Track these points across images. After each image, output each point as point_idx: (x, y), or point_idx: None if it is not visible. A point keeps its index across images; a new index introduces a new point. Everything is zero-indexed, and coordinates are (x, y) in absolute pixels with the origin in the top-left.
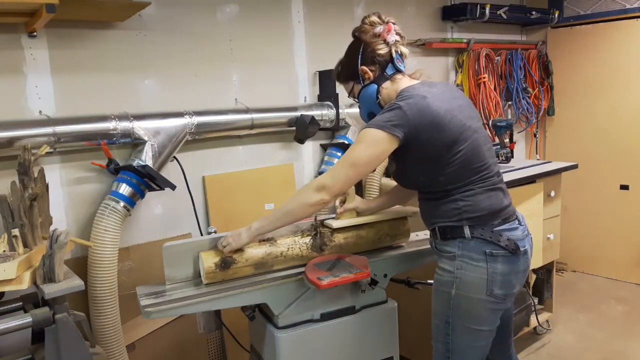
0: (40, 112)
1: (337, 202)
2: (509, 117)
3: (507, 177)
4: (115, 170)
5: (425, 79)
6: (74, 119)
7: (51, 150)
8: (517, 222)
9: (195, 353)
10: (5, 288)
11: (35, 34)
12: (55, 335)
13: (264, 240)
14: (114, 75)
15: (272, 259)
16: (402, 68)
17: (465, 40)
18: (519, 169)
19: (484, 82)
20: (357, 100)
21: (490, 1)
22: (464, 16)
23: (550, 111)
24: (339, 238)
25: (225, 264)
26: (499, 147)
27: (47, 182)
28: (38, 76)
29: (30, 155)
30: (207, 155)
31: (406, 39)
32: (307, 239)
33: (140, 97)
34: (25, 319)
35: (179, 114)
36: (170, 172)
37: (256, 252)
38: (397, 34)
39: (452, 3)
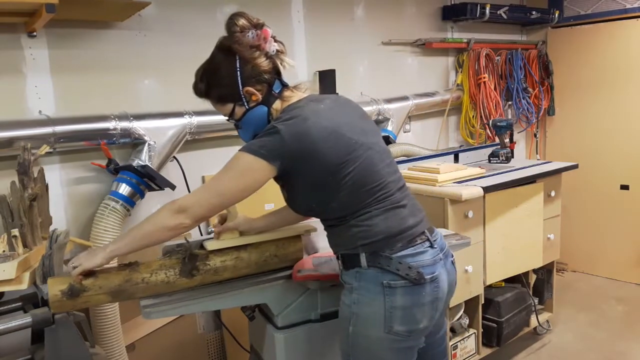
0: (40, 112)
1: (216, 220)
2: (509, 117)
3: (507, 177)
4: (115, 170)
5: (311, 92)
6: (74, 119)
7: (51, 150)
8: (427, 244)
9: (195, 353)
10: (5, 288)
11: (35, 33)
12: (55, 335)
13: (125, 265)
14: (114, 75)
15: (132, 286)
16: (286, 81)
17: (465, 40)
18: (519, 169)
19: (484, 82)
20: (236, 121)
21: (490, 1)
22: (464, 16)
23: (550, 111)
24: (215, 261)
25: (72, 291)
26: (499, 147)
27: (46, 182)
28: (38, 76)
29: (30, 155)
30: (207, 155)
31: (285, 46)
32: (175, 263)
33: (140, 97)
34: (25, 319)
35: (179, 114)
36: (170, 172)
37: (112, 278)
38: (276, 40)
39: (452, 3)
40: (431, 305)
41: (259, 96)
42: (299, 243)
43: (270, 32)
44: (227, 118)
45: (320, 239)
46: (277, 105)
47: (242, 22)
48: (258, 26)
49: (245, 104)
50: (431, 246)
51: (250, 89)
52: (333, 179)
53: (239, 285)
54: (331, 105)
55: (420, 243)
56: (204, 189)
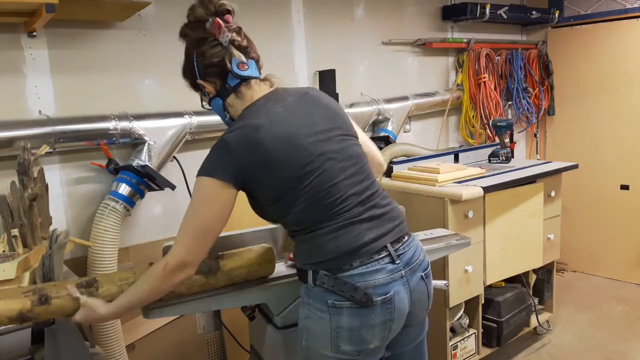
0: (39, 112)
1: None
2: (509, 117)
3: (507, 177)
4: (114, 170)
5: (279, 85)
6: (74, 119)
7: (51, 150)
8: (386, 260)
9: (195, 353)
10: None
11: (35, 33)
12: (54, 335)
13: (83, 287)
14: (114, 75)
15: None
16: (249, 74)
17: (465, 40)
18: (520, 169)
19: (484, 82)
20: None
21: (490, 1)
22: (464, 16)
23: (550, 111)
24: (181, 289)
25: (22, 320)
26: (499, 147)
27: (46, 182)
28: (38, 76)
29: (30, 155)
30: None
31: (244, 34)
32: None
33: (140, 97)
34: None
35: (179, 114)
36: (170, 172)
37: (67, 305)
38: (232, 29)
39: (453, 3)
40: (383, 326)
41: (211, 89)
42: (270, 269)
43: (221, 21)
44: (202, 105)
45: None
46: (232, 100)
47: (198, 10)
48: (219, 13)
49: (206, 94)
50: (392, 262)
51: (201, 82)
52: (290, 193)
53: (239, 286)
54: (293, 105)
55: (376, 260)
56: (187, 234)
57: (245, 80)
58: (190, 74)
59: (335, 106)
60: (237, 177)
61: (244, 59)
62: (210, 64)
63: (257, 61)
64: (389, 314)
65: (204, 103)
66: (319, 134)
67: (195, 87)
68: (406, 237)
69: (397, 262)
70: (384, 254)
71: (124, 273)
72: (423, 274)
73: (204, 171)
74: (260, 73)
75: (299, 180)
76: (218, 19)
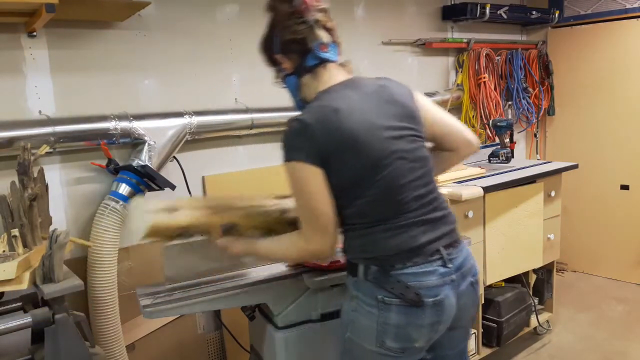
0: (40, 112)
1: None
2: (509, 117)
3: (507, 177)
4: (114, 170)
5: (356, 73)
6: (74, 119)
7: (51, 150)
8: (438, 262)
9: (195, 353)
10: (5, 288)
11: (35, 33)
12: (55, 335)
13: (224, 230)
14: (114, 75)
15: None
16: (328, 57)
17: (465, 40)
18: (520, 169)
19: (484, 82)
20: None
21: (490, 1)
22: (464, 16)
23: (550, 111)
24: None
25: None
26: (499, 147)
27: (46, 182)
28: (38, 76)
29: (30, 155)
30: (207, 155)
31: (331, 18)
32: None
33: (140, 97)
34: (25, 319)
35: (179, 114)
36: (170, 172)
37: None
38: (320, 9)
39: (453, 3)
40: (430, 328)
41: (289, 66)
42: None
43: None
44: (276, 80)
45: None
46: (307, 79)
47: None
48: None
49: (281, 70)
50: (444, 265)
51: (279, 57)
52: (359, 185)
53: (239, 286)
54: (370, 97)
55: (429, 262)
56: (306, 222)
57: (324, 62)
58: (269, 48)
59: (411, 104)
60: (317, 157)
61: (326, 40)
62: (292, 40)
63: (338, 46)
64: (438, 316)
65: (277, 80)
66: (392, 130)
67: (272, 62)
68: (458, 243)
69: (449, 265)
70: (436, 256)
71: (259, 217)
72: (473, 279)
73: (287, 156)
74: (338, 59)
75: (370, 173)
76: None
